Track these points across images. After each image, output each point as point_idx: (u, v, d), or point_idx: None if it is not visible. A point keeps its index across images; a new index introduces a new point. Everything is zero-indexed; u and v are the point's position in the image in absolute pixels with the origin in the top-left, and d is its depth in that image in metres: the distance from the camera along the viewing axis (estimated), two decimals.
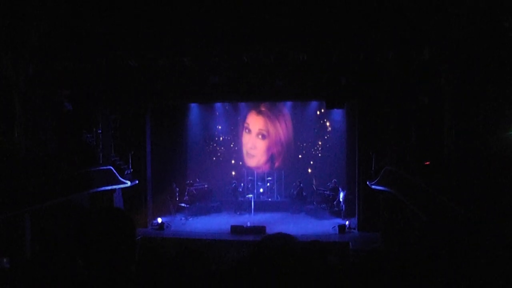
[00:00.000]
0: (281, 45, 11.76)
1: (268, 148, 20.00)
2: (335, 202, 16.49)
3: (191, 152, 19.41)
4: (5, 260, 7.07)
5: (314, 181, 19.02)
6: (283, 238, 2.00)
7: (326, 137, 19.43)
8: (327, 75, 13.80)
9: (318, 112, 19.31)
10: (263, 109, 19.81)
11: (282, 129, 19.87)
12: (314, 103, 18.90)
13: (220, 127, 20.17)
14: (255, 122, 19.98)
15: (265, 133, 19.90)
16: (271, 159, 19.95)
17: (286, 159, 19.98)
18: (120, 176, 13.22)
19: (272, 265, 1.86)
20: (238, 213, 17.04)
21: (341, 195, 15.49)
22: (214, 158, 20.13)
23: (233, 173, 19.93)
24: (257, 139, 19.99)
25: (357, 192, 14.74)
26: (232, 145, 20.30)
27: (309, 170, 19.57)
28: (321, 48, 11.88)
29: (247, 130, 20.12)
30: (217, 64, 13.21)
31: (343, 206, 15.35)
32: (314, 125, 19.49)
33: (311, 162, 19.65)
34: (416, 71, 11.93)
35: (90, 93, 13.91)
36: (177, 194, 17.09)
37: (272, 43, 11.71)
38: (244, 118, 20.07)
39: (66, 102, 13.04)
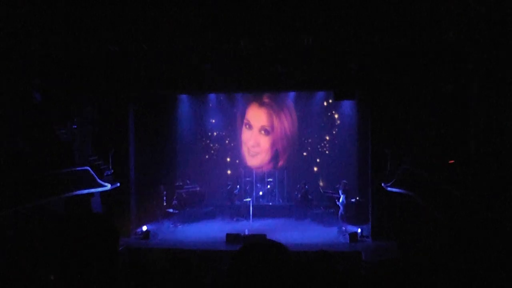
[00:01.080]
0: (283, 27, 11.64)
1: (273, 144, 19.90)
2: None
3: (180, 150, 19.28)
4: None
5: (320, 182, 18.99)
6: (269, 248, 1.86)
7: (334, 132, 19.33)
8: (336, 61, 13.72)
9: (325, 103, 19.18)
10: (266, 100, 19.66)
11: (287, 122, 19.76)
12: (320, 93, 18.78)
13: (213, 121, 20.05)
14: (257, 116, 19.86)
15: (268, 128, 19.76)
16: (275, 156, 19.89)
17: (290, 156, 19.90)
18: (99, 178, 13.12)
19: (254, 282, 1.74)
20: (234, 219, 17.02)
21: (341, 198, 15.46)
22: (207, 157, 20.02)
23: (229, 172, 19.86)
24: (260, 135, 19.88)
25: (370, 195, 14.70)
26: (227, 142, 20.19)
27: (315, 169, 19.49)
28: (329, 30, 11.77)
29: (247, 126, 19.97)
30: (210, 50, 13.08)
31: (343, 211, 15.37)
32: (321, 118, 19.37)
33: (318, 160, 19.55)
34: (439, 55, 11.80)
35: (64, 83, 13.74)
36: (164, 198, 16.97)
37: (272, 26, 11.58)
38: (243, 111, 19.94)
39: (36, 92, 12.88)
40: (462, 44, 10.34)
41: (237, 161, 20.14)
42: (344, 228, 15.04)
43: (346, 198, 15.39)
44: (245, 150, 20.15)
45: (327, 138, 19.52)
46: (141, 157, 16.15)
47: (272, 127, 19.76)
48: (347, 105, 18.27)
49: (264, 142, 19.90)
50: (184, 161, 19.30)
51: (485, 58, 9.25)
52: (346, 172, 17.76)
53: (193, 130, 19.82)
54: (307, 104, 19.41)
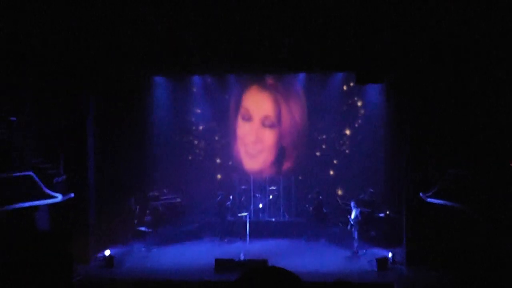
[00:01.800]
0: None
1: (278, 140, 19.92)
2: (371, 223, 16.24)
3: (156, 149, 19.24)
4: None
5: (339, 191, 19.02)
6: (276, 278, 2.05)
7: (356, 125, 19.38)
8: (359, 32, 13.52)
9: (344, 88, 19.18)
10: (270, 82, 19.59)
11: (297, 111, 19.75)
12: (338, 75, 18.73)
13: (199, 111, 20.09)
14: (258, 103, 19.89)
15: (273, 119, 19.77)
16: (279, 156, 19.86)
17: (299, 157, 19.88)
18: (46, 187, 12.74)
19: None
20: (226, 240, 16.96)
21: (353, 213, 15.35)
22: (190, 157, 20.10)
23: (219, 177, 19.96)
24: (263, 129, 19.89)
25: (405, 208, 14.45)
26: (217, 138, 20.23)
27: (331, 173, 19.57)
28: None
29: (245, 117, 20.00)
30: (193, 19, 13.02)
31: (355, 231, 15.29)
32: (339, 107, 19.36)
33: (335, 162, 19.62)
34: (495, 31, 11.61)
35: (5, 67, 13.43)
36: (136, 212, 16.77)
37: None
38: (239, 98, 19.96)
39: None
40: None
41: (230, 163, 20.19)
42: (365, 251, 15.05)
43: (361, 213, 15.32)
44: (241, 148, 20.15)
45: (347, 132, 19.55)
46: (103, 159, 16.00)
47: (279, 117, 19.73)
48: (374, 90, 18.17)
49: (268, 138, 19.95)
50: (161, 164, 19.28)
51: None
52: (372, 178, 17.84)
53: (172, 123, 19.84)
54: (321, 89, 19.33)
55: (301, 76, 19.09)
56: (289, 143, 19.88)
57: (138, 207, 16.94)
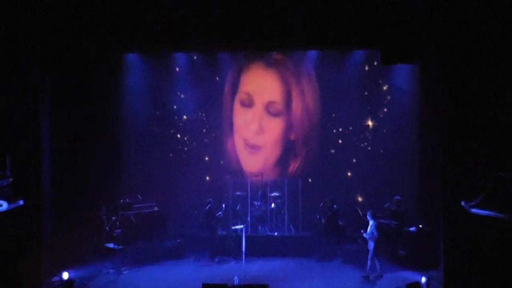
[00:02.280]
0: None
1: (285, 133, 19.87)
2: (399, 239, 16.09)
3: (129, 145, 19.19)
4: None
5: (359, 197, 18.99)
6: None
7: (381, 115, 19.28)
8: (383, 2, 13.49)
9: (366, 68, 19.05)
10: (277, 57, 19.49)
11: (310, 96, 19.66)
12: (359, 53, 18.57)
13: (183, 96, 20.05)
14: (261, 84, 19.88)
15: (280, 105, 19.75)
16: (286, 153, 19.85)
17: (309, 155, 19.83)
18: None
19: None
20: (216, 259, 17.03)
21: (369, 226, 15.28)
22: (171, 155, 20.08)
23: (208, 179, 20.00)
24: (267, 118, 19.84)
25: (442, 220, 14.21)
26: (205, 130, 20.28)
27: (349, 174, 19.55)
28: None
29: (245, 102, 20.01)
30: None
31: (372, 248, 15.21)
32: (360, 92, 19.25)
33: (354, 161, 19.57)
34: None
35: None
36: (106, 225, 16.74)
37: None
38: (236, 79, 19.96)
39: None
40: None
41: (221, 162, 20.22)
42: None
43: (377, 227, 15.22)
44: (238, 143, 20.20)
45: (369, 124, 19.51)
46: (62, 159, 16.00)
47: (289, 102, 19.71)
48: (402, 72, 18.01)
49: (273, 128, 19.95)
50: (135, 163, 19.26)
51: None
52: (400, 182, 17.72)
53: (149, 112, 19.84)
54: (337, 70, 19.19)
55: (313, 53, 18.91)
56: (299, 137, 19.80)
57: (114, 218, 16.94)
